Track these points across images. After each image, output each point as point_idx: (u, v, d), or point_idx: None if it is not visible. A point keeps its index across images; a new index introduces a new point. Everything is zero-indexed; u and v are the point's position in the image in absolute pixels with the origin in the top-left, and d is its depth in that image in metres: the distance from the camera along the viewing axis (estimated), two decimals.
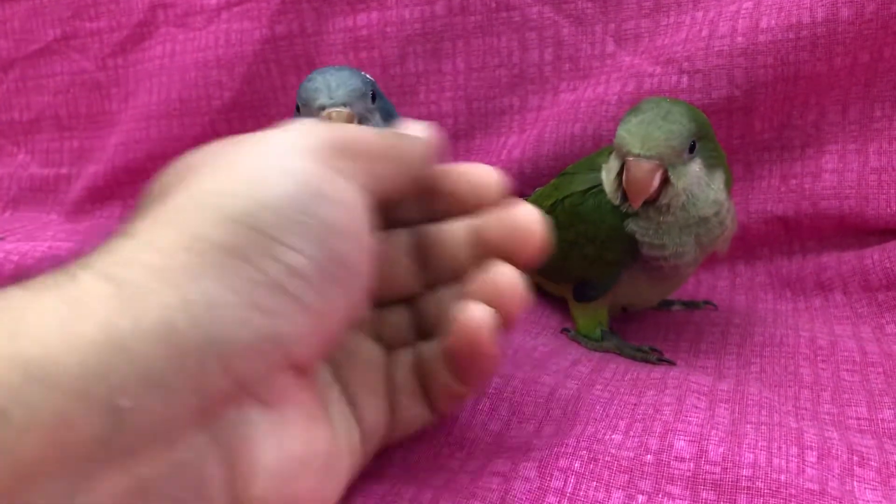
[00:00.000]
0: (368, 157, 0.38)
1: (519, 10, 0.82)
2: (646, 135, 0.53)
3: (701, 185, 0.56)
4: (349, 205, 0.36)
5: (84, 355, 0.26)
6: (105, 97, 1.07)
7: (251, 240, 0.32)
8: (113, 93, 1.06)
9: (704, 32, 0.72)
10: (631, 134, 0.54)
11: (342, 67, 0.58)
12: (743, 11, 0.70)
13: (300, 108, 0.58)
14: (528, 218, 0.43)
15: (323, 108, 0.55)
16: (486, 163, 0.83)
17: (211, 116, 0.97)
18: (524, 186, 0.81)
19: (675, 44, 0.74)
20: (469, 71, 0.86)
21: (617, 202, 0.58)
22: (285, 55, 0.92)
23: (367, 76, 0.59)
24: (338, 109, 0.55)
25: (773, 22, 0.68)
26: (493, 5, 0.82)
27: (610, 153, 0.60)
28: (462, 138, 0.88)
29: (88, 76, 1.07)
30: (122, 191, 1.07)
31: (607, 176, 0.58)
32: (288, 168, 0.34)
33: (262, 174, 0.34)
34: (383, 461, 0.48)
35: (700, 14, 0.74)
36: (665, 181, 0.54)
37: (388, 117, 0.59)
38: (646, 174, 0.53)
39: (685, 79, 0.72)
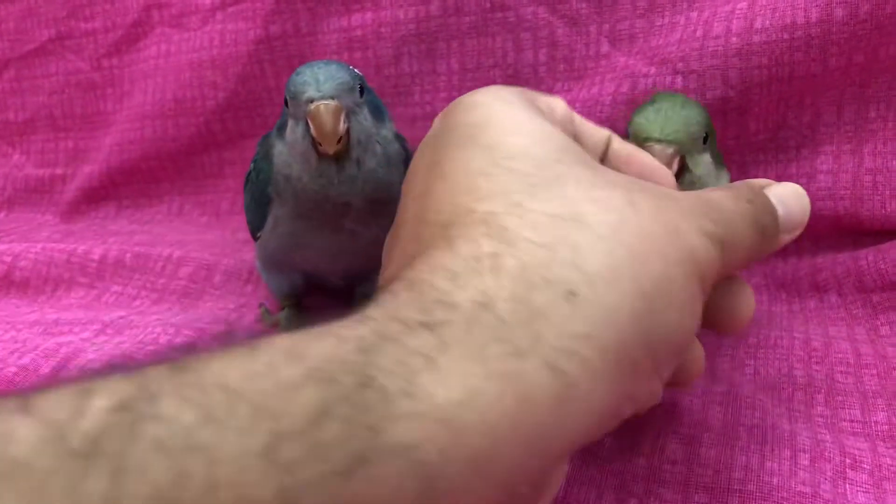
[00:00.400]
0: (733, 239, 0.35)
1: (513, 10, 0.81)
2: (665, 120, 0.53)
3: (713, 176, 0.56)
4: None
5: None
6: (100, 97, 1.06)
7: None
8: (108, 93, 1.06)
9: (699, 33, 0.72)
10: (649, 121, 0.53)
11: (330, 61, 0.57)
12: (737, 12, 0.70)
13: (288, 102, 0.57)
14: None
15: (311, 100, 0.54)
16: None
17: (206, 117, 0.97)
18: None
19: (669, 44, 0.74)
20: (463, 71, 0.85)
21: None
22: (280, 55, 0.92)
23: (356, 70, 0.58)
24: (325, 102, 0.54)
25: (767, 22, 0.68)
26: (488, 6, 0.82)
27: None
28: None
29: (83, 76, 1.06)
30: (118, 191, 1.06)
31: None
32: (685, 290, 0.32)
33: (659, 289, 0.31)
34: None
35: (694, 14, 0.74)
36: (682, 168, 0.54)
37: (377, 112, 0.59)
38: (667, 159, 0.52)
39: (680, 79, 0.72)
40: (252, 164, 0.68)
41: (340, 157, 0.56)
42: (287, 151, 0.58)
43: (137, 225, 1.02)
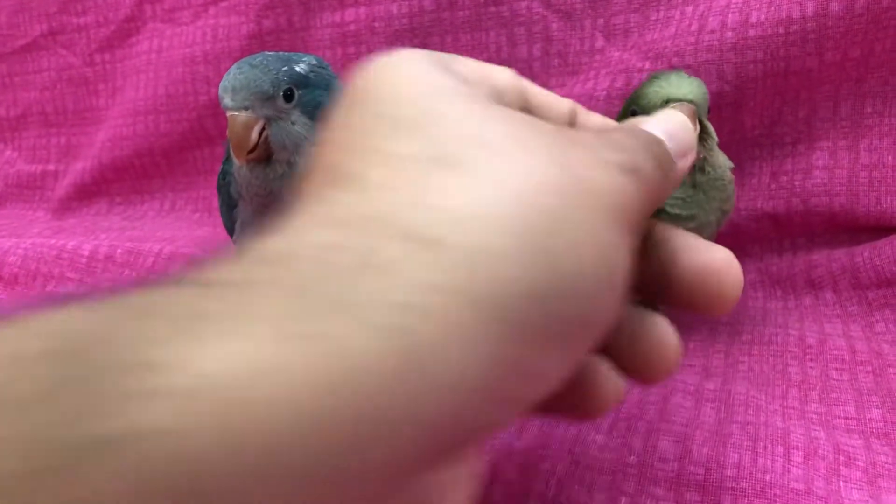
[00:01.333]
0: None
1: (507, 4, 0.81)
2: (681, 82, 0.54)
3: (721, 155, 0.58)
4: None
5: None
6: (92, 93, 1.06)
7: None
8: (100, 88, 1.05)
9: (694, 27, 0.71)
10: (669, 83, 0.54)
11: (265, 59, 0.55)
12: (732, 6, 0.69)
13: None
14: None
15: (227, 108, 0.53)
16: None
17: (198, 112, 0.96)
18: None
19: (664, 39, 0.73)
20: None
21: None
22: (272, 50, 0.91)
23: (299, 68, 0.56)
24: (235, 114, 0.53)
25: (762, 17, 0.68)
26: (482, 0, 0.81)
27: None
28: None
29: (75, 72, 1.06)
30: (110, 188, 1.06)
31: None
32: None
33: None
34: None
35: (689, 9, 0.73)
36: (702, 130, 0.55)
37: (318, 110, 0.56)
38: (692, 114, 0.51)
39: None
40: (222, 165, 0.67)
41: (263, 162, 0.55)
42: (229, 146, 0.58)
43: (129, 222, 1.01)
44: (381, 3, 0.85)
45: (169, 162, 1.01)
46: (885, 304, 0.66)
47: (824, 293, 0.70)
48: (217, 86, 0.92)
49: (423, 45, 0.83)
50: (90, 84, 1.06)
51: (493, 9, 0.82)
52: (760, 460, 0.45)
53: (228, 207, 0.65)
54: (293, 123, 0.55)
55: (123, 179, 1.04)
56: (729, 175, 0.59)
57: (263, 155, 0.55)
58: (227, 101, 0.53)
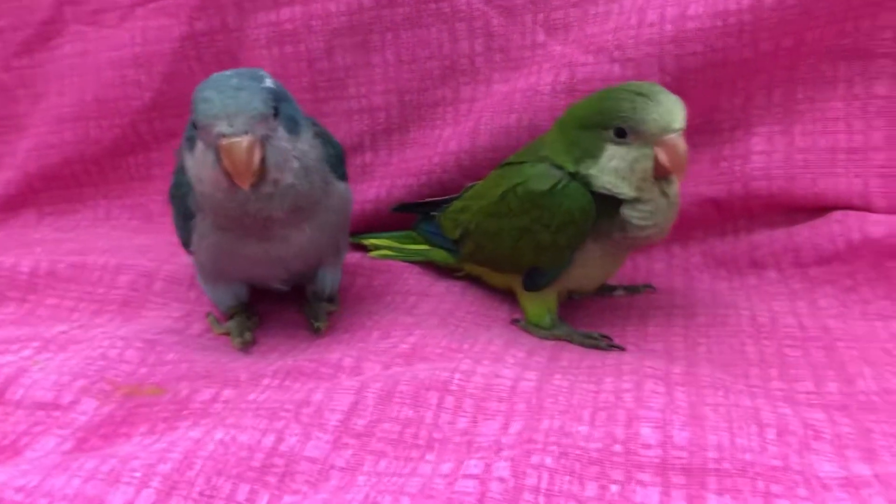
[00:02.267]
0: None
1: (448, 1, 0.81)
2: (672, 110, 0.57)
3: None
4: None
5: None
6: (11, 100, 1.01)
7: None
8: (20, 95, 1.00)
9: (633, 21, 0.73)
10: (664, 110, 0.57)
11: (241, 80, 0.54)
12: (670, 0, 0.72)
13: (196, 126, 0.54)
14: None
15: (222, 135, 0.52)
16: (423, 155, 0.84)
17: (131, 117, 0.93)
18: (463, 178, 0.81)
19: (604, 32, 0.75)
20: (399, 63, 0.85)
21: (638, 191, 0.59)
22: (207, 52, 0.89)
23: (269, 83, 0.56)
24: (237, 140, 0.52)
25: (700, 9, 0.70)
26: None
27: (571, 141, 0.61)
28: (396, 132, 0.87)
29: None
30: (38, 198, 1.01)
31: (633, 165, 0.58)
32: None
33: None
34: (356, 469, 0.48)
35: (628, 2, 0.75)
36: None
37: (293, 126, 0.57)
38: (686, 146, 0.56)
39: (617, 67, 0.73)
40: (173, 177, 0.66)
41: (255, 183, 0.54)
42: (198, 172, 0.56)
43: (62, 232, 0.98)
44: (318, 1, 0.84)
45: (101, 169, 0.98)
46: (826, 280, 0.70)
47: (768, 272, 0.74)
48: (150, 89, 0.91)
49: (364, 42, 0.84)
50: (8, 91, 1.01)
51: (433, 5, 0.82)
52: (738, 440, 0.48)
53: (185, 219, 0.64)
54: (280, 140, 0.55)
55: (52, 189, 1.00)
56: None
57: (259, 176, 0.54)
58: (222, 127, 0.52)
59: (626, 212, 0.60)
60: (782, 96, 0.75)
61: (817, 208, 0.74)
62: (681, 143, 0.57)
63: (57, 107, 0.97)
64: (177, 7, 0.88)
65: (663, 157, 0.57)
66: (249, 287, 0.70)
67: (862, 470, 0.45)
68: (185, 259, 0.80)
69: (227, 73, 0.56)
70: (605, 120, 0.59)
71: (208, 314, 0.72)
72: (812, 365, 0.58)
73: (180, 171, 0.63)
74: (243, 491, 0.47)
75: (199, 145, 0.55)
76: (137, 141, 0.96)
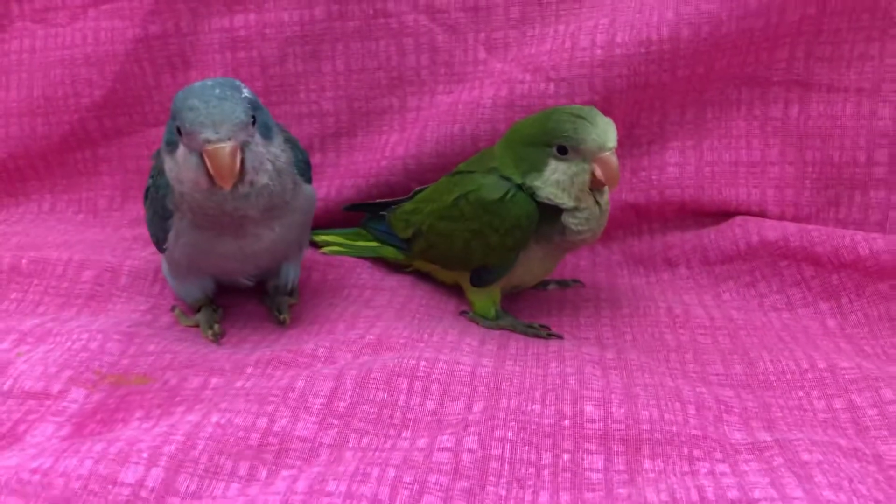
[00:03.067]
0: None
1: (396, 17, 0.88)
2: (607, 130, 0.66)
3: None
4: None
5: None
6: None
7: None
8: None
9: (567, 44, 0.82)
10: (600, 130, 0.65)
11: (224, 91, 0.59)
12: (600, 27, 0.81)
13: (180, 131, 0.59)
14: None
15: (208, 141, 0.57)
16: (371, 159, 0.90)
17: (80, 114, 0.96)
18: (410, 182, 0.88)
19: (541, 53, 0.84)
20: (349, 72, 0.91)
21: (576, 201, 0.68)
22: (159, 54, 0.93)
23: (246, 93, 0.61)
24: (222, 146, 0.57)
25: (626, 38, 0.79)
26: (371, 12, 0.88)
27: (518, 157, 0.69)
28: (344, 136, 0.93)
29: None
30: None
31: (573, 178, 0.67)
32: None
33: None
34: (342, 445, 0.55)
35: (562, 27, 0.84)
36: None
37: (266, 131, 0.62)
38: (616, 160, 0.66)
39: (552, 86, 0.82)
40: (150, 180, 0.71)
41: (234, 184, 0.60)
42: (180, 174, 0.61)
43: (7, 225, 0.99)
44: (272, 10, 0.90)
45: (47, 164, 1.00)
46: (728, 276, 0.81)
47: (679, 269, 0.84)
48: (101, 88, 0.94)
49: (315, 52, 0.90)
50: None
51: (382, 20, 0.88)
52: (666, 415, 0.57)
53: (162, 219, 0.68)
54: (257, 145, 0.60)
55: None
56: None
57: (238, 177, 0.59)
58: (208, 134, 0.57)
59: (566, 219, 0.68)
60: (694, 115, 0.86)
61: (722, 214, 0.85)
62: (614, 160, 0.66)
63: (2, 102, 0.98)
64: (131, 10, 0.92)
65: (599, 172, 0.66)
66: (216, 283, 0.75)
67: (765, 437, 0.55)
68: (144, 254, 0.85)
69: (209, 82, 0.60)
70: (549, 138, 0.67)
71: (173, 307, 0.76)
72: (720, 350, 0.68)
73: (158, 173, 0.68)
74: (244, 467, 0.53)
75: (182, 150, 0.60)
76: (85, 138, 0.98)
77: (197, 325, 0.74)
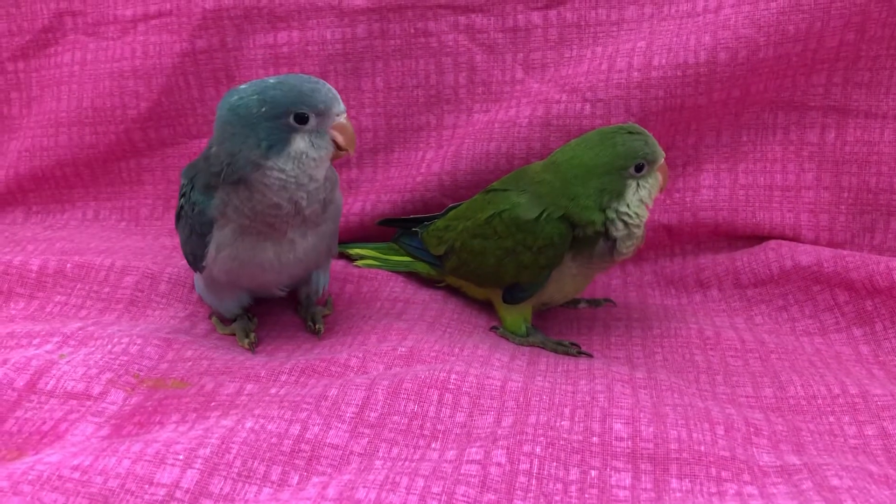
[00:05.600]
0: None
1: (436, 36, 0.89)
2: (656, 142, 0.69)
3: None
4: None
5: None
6: (4, 102, 1.05)
7: None
8: (13, 97, 1.05)
9: (604, 66, 0.83)
10: (649, 144, 0.69)
11: (307, 76, 0.66)
12: (637, 50, 0.81)
13: (301, 118, 0.63)
14: None
15: (339, 113, 0.65)
16: (407, 174, 0.92)
17: (126, 125, 0.99)
18: (444, 198, 0.89)
19: (578, 74, 0.85)
20: (388, 90, 0.93)
21: (646, 214, 0.71)
22: (205, 68, 0.95)
23: None
24: (347, 118, 0.66)
25: (663, 61, 0.80)
26: (412, 31, 0.90)
27: (598, 191, 0.69)
28: (381, 151, 0.95)
29: None
30: (26, 197, 1.06)
31: (651, 191, 0.70)
32: None
33: None
34: (373, 454, 0.56)
35: (599, 49, 0.85)
36: None
37: None
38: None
39: (588, 106, 0.83)
40: (181, 199, 0.72)
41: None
42: (305, 158, 0.64)
43: (52, 231, 1.02)
44: (315, 27, 0.92)
45: (93, 173, 1.03)
46: (761, 300, 0.81)
47: (711, 291, 0.85)
48: (148, 100, 0.97)
49: (356, 69, 0.91)
50: (1, 92, 1.05)
51: (422, 39, 0.90)
52: (694, 434, 0.57)
53: (200, 235, 0.69)
54: None
55: (42, 189, 1.05)
56: None
57: None
58: (340, 106, 0.65)
59: (622, 242, 0.70)
60: (729, 139, 0.86)
61: (755, 237, 0.86)
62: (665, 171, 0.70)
63: (53, 111, 1.01)
64: (178, 25, 0.94)
65: (661, 181, 0.70)
66: (252, 295, 0.77)
67: (793, 460, 0.55)
68: (184, 262, 0.86)
69: (288, 75, 0.67)
70: (626, 161, 0.68)
71: (211, 315, 0.78)
72: (751, 373, 0.68)
73: (189, 191, 0.69)
74: (276, 472, 0.54)
75: (307, 137, 0.64)
76: (130, 148, 1.01)
77: (233, 334, 0.75)
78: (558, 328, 0.79)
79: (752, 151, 0.86)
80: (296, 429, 0.57)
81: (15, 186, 1.05)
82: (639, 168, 0.68)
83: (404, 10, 0.89)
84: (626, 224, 0.69)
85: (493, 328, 0.78)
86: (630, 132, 0.69)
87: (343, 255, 0.93)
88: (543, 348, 0.74)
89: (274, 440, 0.56)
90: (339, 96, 0.65)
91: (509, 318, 0.76)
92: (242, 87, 0.66)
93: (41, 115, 1.02)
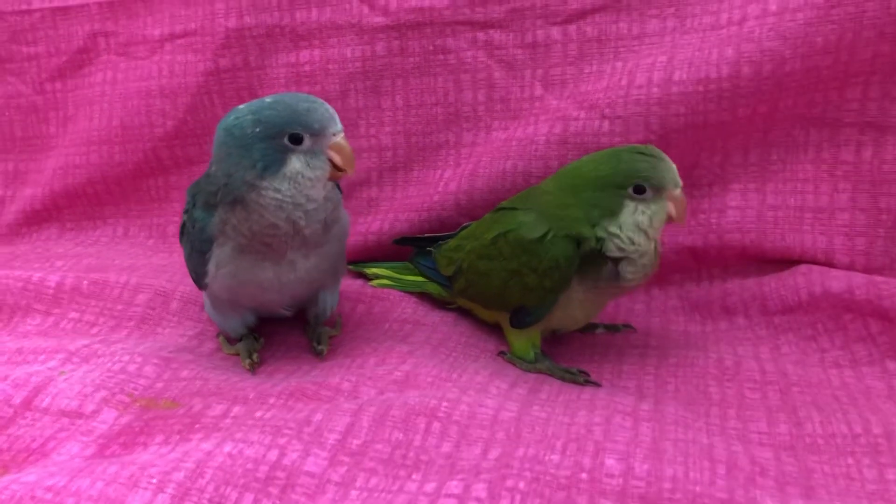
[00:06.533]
0: None
1: (454, 53, 0.88)
2: (674, 168, 0.66)
3: None
4: None
5: None
6: (42, 121, 1.08)
7: None
8: (50, 117, 1.07)
9: (624, 82, 0.80)
10: (671, 168, 0.65)
11: (305, 95, 0.65)
12: (658, 65, 0.78)
13: (296, 139, 0.62)
14: None
15: (336, 133, 0.63)
16: (425, 193, 0.90)
17: (153, 143, 1.00)
18: (460, 217, 0.87)
19: (597, 91, 0.82)
20: (407, 108, 0.91)
21: (648, 242, 0.66)
22: (229, 87, 0.96)
23: None
24: (343, 136, 0.64)
25: (684, 75, 0.76)
26: (431, 48, 0.88)
27: (590, 204, 0.66)
28: (401, 170, 0.93)
29: (25, 99, 1.07)
30: (61, 214, 1.08)
31: (652, 218, 0.66)
32: None
33: None
34: (349, 484, 0.54)
35: (620, 64, 0.82)
36: None
37: None
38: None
39: (607, 123, 0.80)
40: (184, 216, 0.72)
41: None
42: (300, 179, 0.63)
43: (82, 247, 1.04)
44: (336, 46, 0.91)
45: (122, 190, 1.05)
46: (789, 328, 0.76)
47: (737, 318, 0.80)
48: (174, 118, 0.98)
49: (376, 87, 0.90)
50: (40, 112, 1.08)
51: (441, 56, 0.88)
52: (691, 473, 0.53)
53: (200, 252, 0.69)
54: None
55: (75, 206, 1.07)
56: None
57: None
58: (338, 125, 0.64)
59: (624, 267, 0.66)
60: (757, 157, 0.82)
61: (785, 261, 0.81)
62: (684, 196, 0.66)
63: (85, 130, 1.03)
64: (203, 44, 0.95)
65: (672, 209, 0.65)
66: (257, 315, 0.76)
67: None
68: None
69: (286, 94, 0.66)
70: (624, 179, 0.65)
71: (218, 334, 0.78)
72: (767, 407, 0.64)
73: (191, 208, 0.69)
74: (248, 499, 0.52)
75: (302, 157, 0.63)
76: (158, 166, 1.02)
77: (237, 354, 0.74)
78: (571, 354, 0.76)
79: (781, 170, 0.81)
80: (273, 455, 0.55)
81: (50, 203, 1.07)
82: (638, 190, 0.64)
83: (423, 27, 0.88)
84: (619, 248, 0.65)
85: (501, 353, 0.75)
86: (641, 152, 0.66)
87: (360, 275, 0.91)
88: (551, 375, 0.71)
89: (250, 466, 0.54)
90: (336, 116, 0.64)
91: (517, 343, 0.73)
92: (241, 107, 0.65)
93: (75, 133, 1.05)
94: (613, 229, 0.65)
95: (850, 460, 0.57)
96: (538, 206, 0.69)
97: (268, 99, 0.65)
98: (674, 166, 0.65)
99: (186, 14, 0.96)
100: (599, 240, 0.66)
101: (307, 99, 0.64)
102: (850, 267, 0.78)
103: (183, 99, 0.97)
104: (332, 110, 0.64)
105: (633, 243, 0.65)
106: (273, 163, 0.62)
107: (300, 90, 0.93)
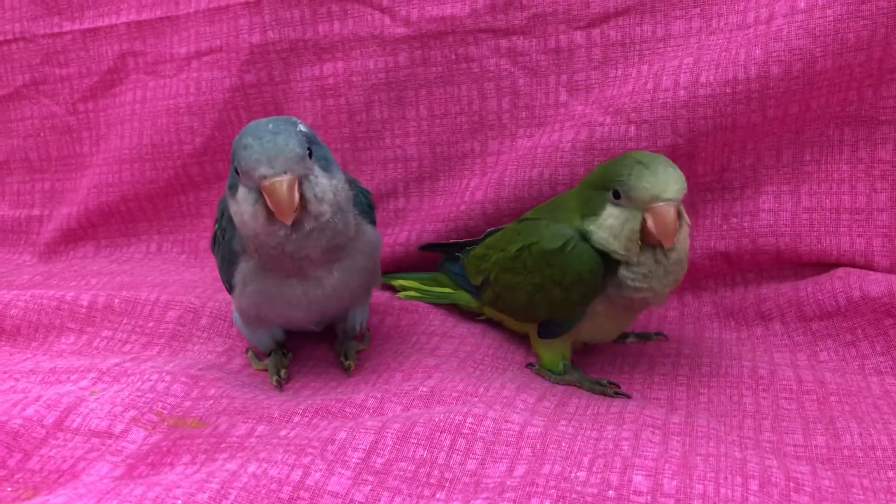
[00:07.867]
0: None
1: (478, 61, 0.87)
2: (666, 180, 0.61)
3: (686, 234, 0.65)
4: None
5: None
6: (76, 141, 1.10)
7: None
8: (84, 136, 1.09)
9: (650, 85, 0.78)
10: (658, 180, 0.61)
11: (277, 126, 0.59)
12: (684, 67, 0.76)
13: (238, 172, 0.59)
14: None
15: (264, 177, 0.57)
16: (451, 203, 0.89)
17: (183, 160, 1.01)
18: (487, 225, 0.86)
19: (622, 95, 0.80)
20: (432, 118, 0.91)
21: (625, 251, 0.63)
22: (255, 102, 0.96)
23: (302, 128, 0.61)
24: (279, 179, 0.57)
25: (711, 77, 0.75)
26: (454, 57, 0.87)
27: (583, 199, 0.66)
28: (427, 180, 0.93)
29: (59, 120, 1.09)
30: (96, 232, 1.10)
31: (623, 225, 0.62)
32: None
33: None
34: (373, 503, 0.53)
35: (645, 67, 0.80)
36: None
37: (326, 164, 0.62)
38: (674, 216, 0.61)
39: (633, 128, 0.78)
40: (216, 225, 0.72)
41: (297, 219, 0.60)
42: (241, 213, 0.61)
43: (117, 265, 1.05)
44: (359, 58, 0.91)
45: (155, 207, 1.06)
46: (827, 334, 0.74)
47: (773, 324, 0.78)
48: (202, 135, 0.98)
49: (399, 98, 0.90)
50: (74, 132, 1.09)
51: (464, 65, 0.88)
52: (722, 490, 0.52)
53: (230, 263, 0.69)
54: (316, 177, 0.60)
55: (109, 223, 1.08)
56: (686, 254, 0.66)
57: (299, 213, 0.59)
58: (263, 170, 0.56)
59: (622, 272, 0.64)
60: (790, 158, 0.79)
61: (821, 265, 0.78)
62: (669, 213, 0.60)
63: (117, 149, 1.05)
64: (227, 60, 0.96)
65: (650, 223, 0.61)
66: (285, 331, 0.76)
67: None
68: (225, 295, 0.87)
69: (263, 120, 0.60)
70: (606, 182, 0.63)
71: (247, 350, 0.78)
72: (804, 418, 0.62)
73: (222, 219, 0.69)
74: None
75: (241, 189, 0.60)
76: (188, 182, 1.03)
77: (266, 370, 0.74)
78: (601, 365, 0.74)
79: (816, 171, 0.78)
80: (297, 474, 0.55)
81: (86, 222, 1.09)
82: (615, 195, 0.63)
83: (445, 36, 0.87)
84: (599, 244, 0.64)
85: (529, 365, 0.74)
86: (636, 159, 0.62)
87: (387, 287, 0.91)
88: (580, 387, 0.70)
89: (273, 486, 0.54)
90: (276, 157, 0.57)
91: (546, 354, 0.72)
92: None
93: (107, 152, 1.06)
94: (592, 227, 0.64)
95: (890, 474, 0.55)
96: (562, 216, 0.68)
97: (251, 123, 0.62)
98: (669, 179, 0.61)
99: (211, 31, 0.97)
100: (586, 232, 0.65)
101: (258, 133, 0.58)
102: (890, 269, 0.75)
103: (210, 115, 0.98)
104: (274, 151, 0.57)
105: (608, 244, 0.64)
106: (232, 187, 0.62)
107: (325, 103, 0.94)
